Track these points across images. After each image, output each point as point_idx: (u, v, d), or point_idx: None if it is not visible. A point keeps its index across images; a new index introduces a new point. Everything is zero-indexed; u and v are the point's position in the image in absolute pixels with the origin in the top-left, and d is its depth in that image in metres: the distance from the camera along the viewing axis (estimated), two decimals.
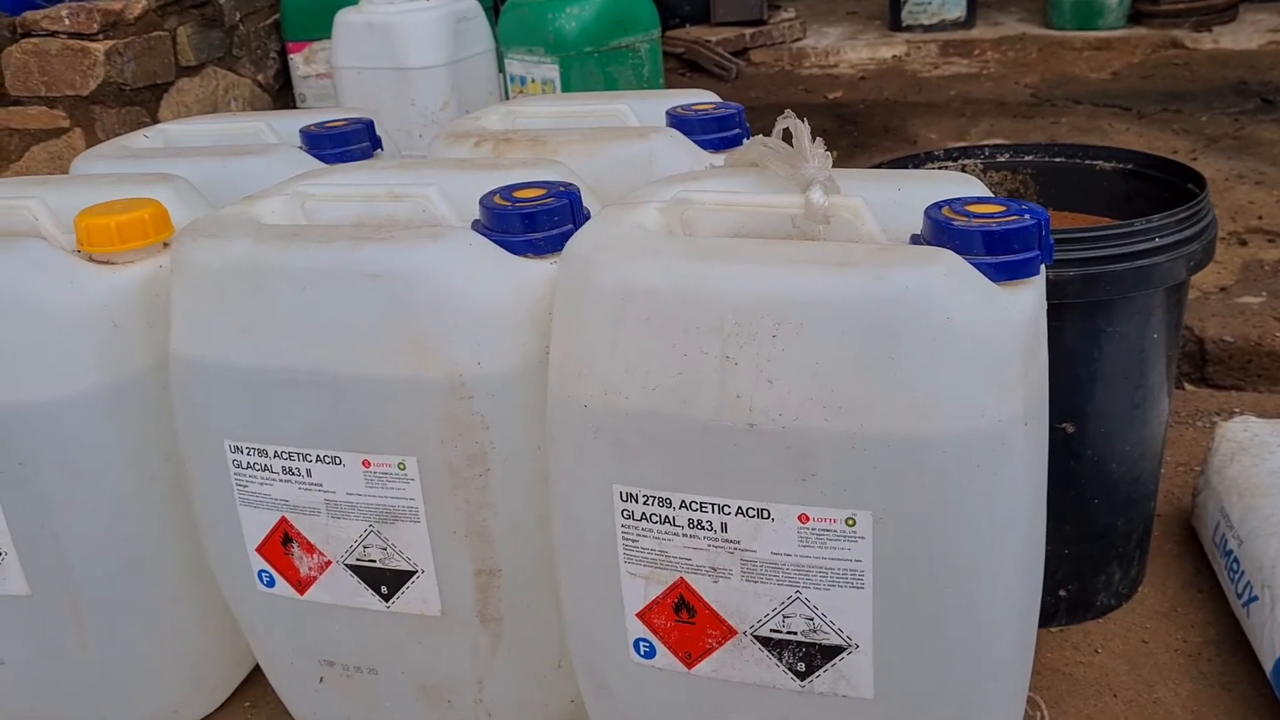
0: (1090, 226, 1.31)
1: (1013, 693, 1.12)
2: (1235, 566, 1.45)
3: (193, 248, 1.17)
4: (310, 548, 1.22)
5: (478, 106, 3.20)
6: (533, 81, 3.28)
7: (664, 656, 1.08)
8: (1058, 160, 1.64)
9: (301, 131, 1.66)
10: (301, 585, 1.24)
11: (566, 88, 3.20)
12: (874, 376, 0.91)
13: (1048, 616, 1.50)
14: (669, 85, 4.16)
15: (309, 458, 1.17)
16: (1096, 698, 1.40)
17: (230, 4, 3.57)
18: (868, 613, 0.99)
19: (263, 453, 1.18)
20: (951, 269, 0.93)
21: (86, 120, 3.11)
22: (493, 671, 1.24)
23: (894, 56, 5.10)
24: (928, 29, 5.23)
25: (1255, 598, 1.38)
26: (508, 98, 3.40)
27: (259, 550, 1.24)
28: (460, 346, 1.10)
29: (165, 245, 1.30)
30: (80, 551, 1.28)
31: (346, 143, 1.64)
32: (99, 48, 3.04)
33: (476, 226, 1.17)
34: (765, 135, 1.15)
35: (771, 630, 1.02)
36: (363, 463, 1.15)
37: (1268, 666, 1.33)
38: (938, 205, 1.03)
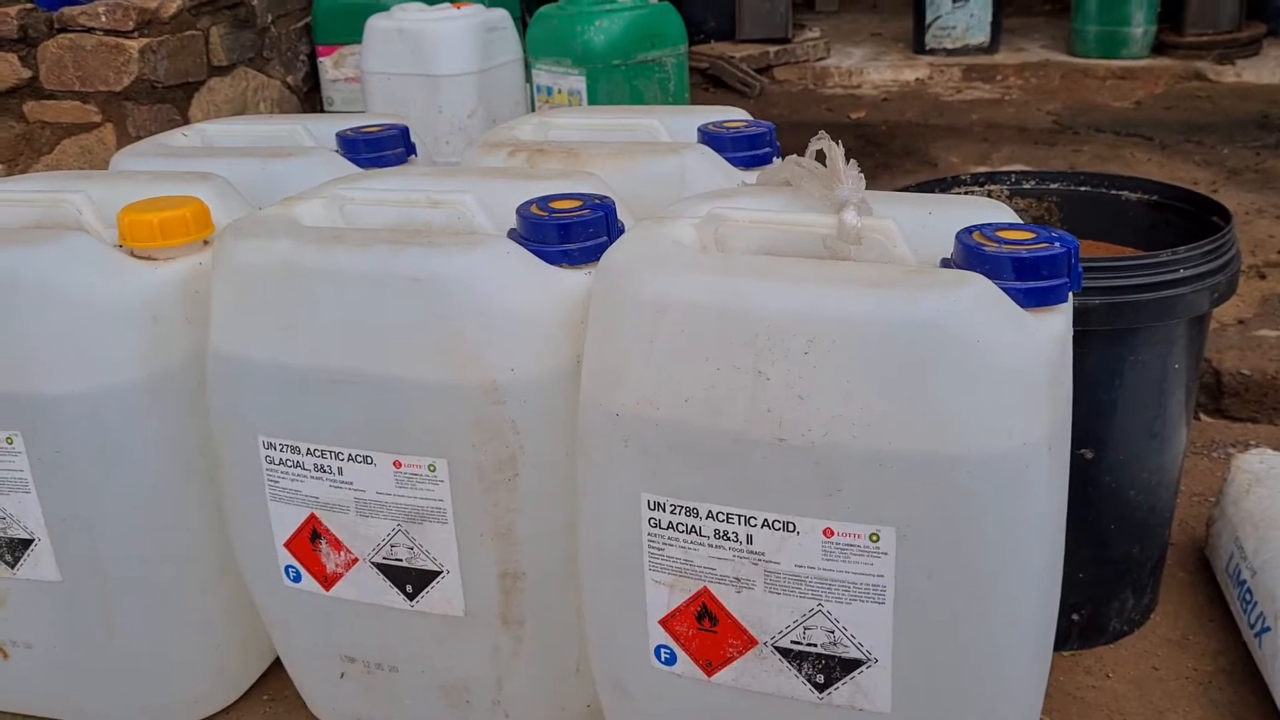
0: (1116, 256, 1.33)
1: (1027, 712, 1.13)
2: (1248, 597, 1.46)
3: (235, 247, 1.20)
4: (338, 545, 1.24)
5: (504, 115, 3.24)
6: (559, 92, 3.31)
7: (684, 664, 1.10)
8: (1083, 189, 1.66)
9: (338, 135, 1.68)
10: (327, 581, 1.26)
11: (593, 99, 3.22)
12: (903, 396, 0.93)
13: (1060, 640, 1.51)
14: (693, 100, 4.19)
15: (341, 456, 1.19)
16: None
17: (263, 6, 3.61)
18: (888, 628, 1.00)
19: (295, 449, 1.21)
20: (982, 293, 0.95)
21: (118, 116, 3.15)
22: (512, 673, 1.26)
23: (917, 79, 5.12)
24: (951, 53, 5.25)
25: (1268, 628, 1.39)
26: (534, 108, 3.43)
27: (287, 545, 1.26)
28: (495, 352, 1.12)
29: (205, 243, 1.32)
30: (112, 540, 1.30)
31: (382, 148, 1.66)
32: (133, 45, 3.08)
33: (513, 235, 1.19)
34: (788, 152, 1.18)
35: (792, 642, 1.04)
36: (394, 463, 1.17)
37: (1279, 697, 1.34)
38: (969, 230, 1.05)
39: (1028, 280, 1.00)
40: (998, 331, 0.94)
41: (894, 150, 4.03)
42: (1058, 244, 1.02)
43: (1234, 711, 1.41)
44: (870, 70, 5.19)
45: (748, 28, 5.40)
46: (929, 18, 5.23)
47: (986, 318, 0.94)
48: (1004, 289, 0.98)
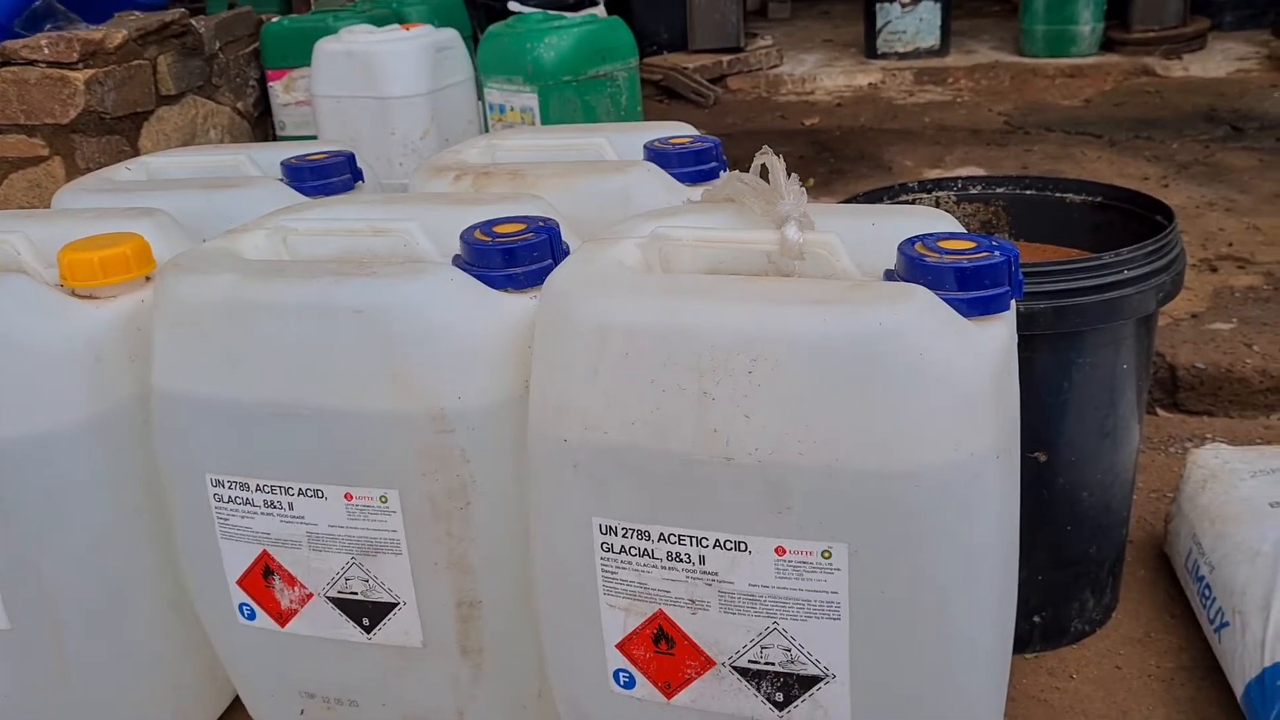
0: (1061, 260, 1.34)
1: (989, 717, 1.13)
2: (1207, 592, 1.47)
3: (175, 283, 1.18)
4: (291, 580, 1.22)
5: (457, 135, 3.23)
6: (512, 110, 3.30)
7: (643, 687, 1.09)
8: (1029, 192, 1.67)
9: (282, 164, 1.67)
10: (283, 618, 1.24)
11: (545, 116, 3.22)
12: (848, 412, 0.93)
13: (1022, 643, 1.52)
14: (647, 112, 4.20)
15: (291, 491, 1.18)
16: None
17: (210, 33, 3.59)
18: (844, 643, 1.00)
19: (244, 486, 1.19)
20: (924, 306, 0.95)
21: (66, 149, 3.11)
22: (473, 702, 1.25)
23: (869, 84, 5.16)
24: (902, 56, 5.30)
25: (1227, 623, 1.40)
26: (487, 126, 3.42)
27: (240, 583, 1.25)
28: (441, 381, 1.11)
29: (148, 279, 1.30)
30: (61, 585, 1.28)
31: (327, 175, 1.65)
32: (79, 77, 3.04)
33: (457, 261, 1.19)
34: (743, 162, 1.17)
35: (749, 661, 1.03)
36: (345, 495, 1.16)
37: (1239, 691, 1.34)
38: (911, 241, 1.05)
39: (970, 290, 1.00)
40: (940, 343, 0.94)
41: (848, 155, 4.05)
42: (998, 253, 1.02)
43: (1196, 707, 1.42)
44: (823, 76, 5.22)
45: (700, 38, 5.43)
46: (879, 23, 5.28)
47: (928, 330, 0.94)
48: (946, 300, 0.98)
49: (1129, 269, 1.33)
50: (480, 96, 3.43)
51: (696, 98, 5.05)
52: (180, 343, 1.19)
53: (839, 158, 4.03)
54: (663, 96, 5.15)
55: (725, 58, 5.34)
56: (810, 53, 5.68)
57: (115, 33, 3.14)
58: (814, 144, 4.24)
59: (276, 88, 3.83)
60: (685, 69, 5.17)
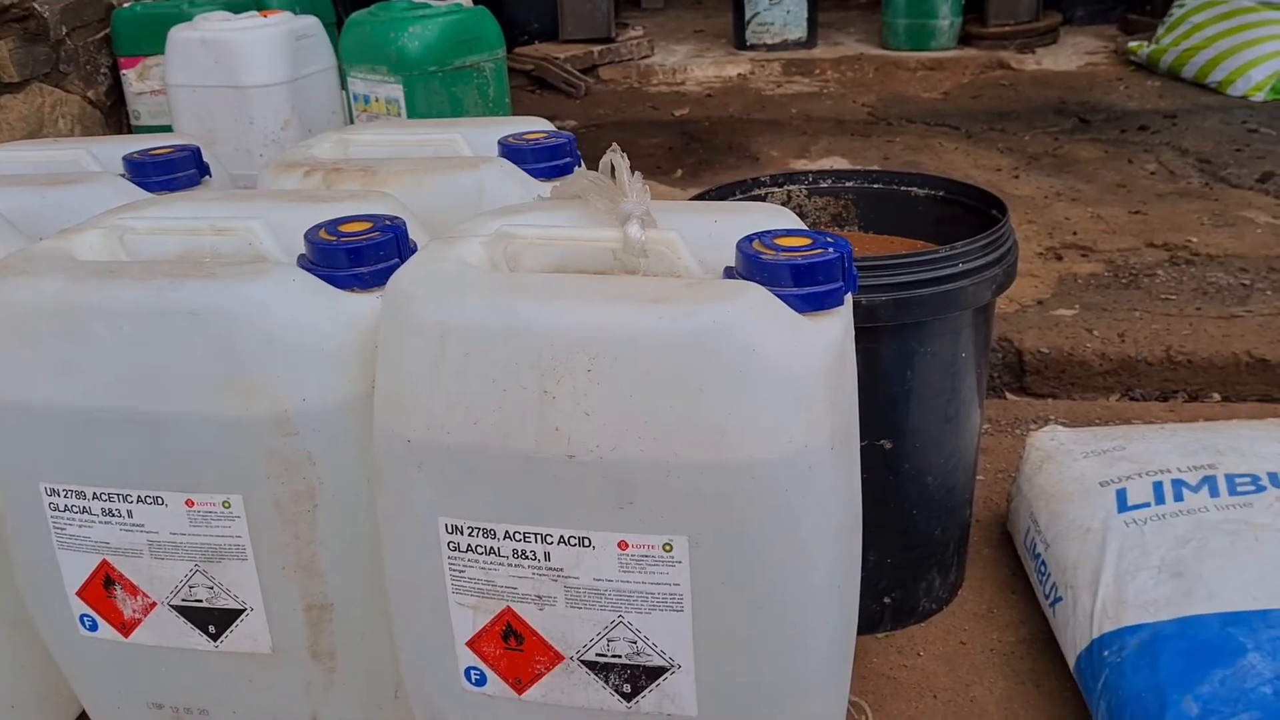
0: (899, 254, 1.38)
1: (833, 700, 1.17)
2: (1043, 569, 1.54)
3: (3, 286, 1.14)
4: (134, 590, 1.19)
5: (320, 125, 3.17)
6: (377, 100, 3.26)
7: (495, 684, 1.10)
8: (876, 186, 1.72)
9: (125, 159, 1.61)
10: (126, 628, 1.21)
11: (411, 107, 3.18)
12: (685, 407, 0.95)
13: (873, 623, 1.58)
14: (519, 103, 4.18)
15: (129, 498, 1.15)
16: (918, 699, 1.47)
17: (55, 17, 3.44)
18: (688, 634, 1.02)
19: (81, 494, 1.16)
20: (758, 303, 0.97)
21: None
22: (327, 706, 1.23)
23: (739, 75, 5.23)
24: (771, 48, 5.38)
25: (1060, 598, 1.47)
26: (352, 116, 3.36)
27: (79, 594, 1.21)
28: (284, 383, 1.09)
29: None
30: None
31: (172, 170, 1.60)
32: None
33: (302, 261, 1.17)
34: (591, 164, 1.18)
35: (597, 654, 1.05)
36: (186, 502, 1.14)
37: (1071, 662, 1.42)
38: (749, 239, 1.08)
39: (804, 286, 1.03)
40: (773, 339, 0.97)
41: (717, 146, 4.10)
42: (832, 249, 1.05)
43: (1034, 679, 1.49)
44: (694, 67, 5.27)
45: (570, 28, 5.42)
46: (748, 14, 5.36)
47: (761, 326, 0.96)
48: (781, 296, 1.01)
49: (964, 262, 1.38)
50: (344, 85, 3.37)
51: (568, 88, 5.05)
52: (10, 348, 1.14)
53: (707, 148, 4.08)
54: (534, 87, 5.13)
55: (596, 48, 5.35)
56: (681, 43, 5.73)
57: None
58: (683, 134, 4.28)
59: (130, 76, 3.70)
60: (556, 59, 5.17)
